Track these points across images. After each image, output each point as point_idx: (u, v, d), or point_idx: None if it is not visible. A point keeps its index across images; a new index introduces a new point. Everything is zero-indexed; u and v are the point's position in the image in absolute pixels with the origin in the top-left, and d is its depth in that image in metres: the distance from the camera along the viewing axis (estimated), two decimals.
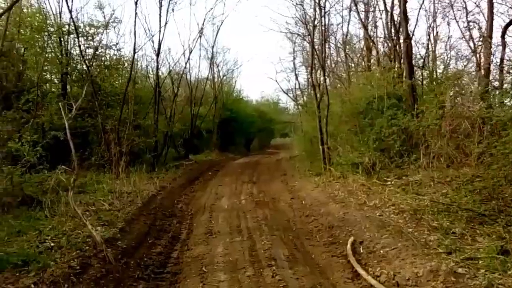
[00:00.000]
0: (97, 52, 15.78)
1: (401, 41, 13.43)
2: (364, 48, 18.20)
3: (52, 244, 5.29)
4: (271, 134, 47.23)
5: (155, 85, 17.39)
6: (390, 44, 15.50)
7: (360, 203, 8.12)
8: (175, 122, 21.24)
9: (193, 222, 8.18)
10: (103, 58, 16.57)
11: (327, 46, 15.95)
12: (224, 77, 32.04)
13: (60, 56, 14.46)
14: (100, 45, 15.92)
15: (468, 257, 4.91)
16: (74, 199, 8.86)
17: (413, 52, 14.06)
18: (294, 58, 35.25)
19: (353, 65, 20.37)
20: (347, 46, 19.74)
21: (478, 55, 13.88)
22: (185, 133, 24.45)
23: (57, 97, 13.77)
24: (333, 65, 21.19)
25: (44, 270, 4.44)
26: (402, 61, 13.76)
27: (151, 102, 18.30)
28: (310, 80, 13.64)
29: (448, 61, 15.82)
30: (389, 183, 9.61)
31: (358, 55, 19.59)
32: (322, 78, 12.87)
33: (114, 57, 16.85)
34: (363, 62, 18.99)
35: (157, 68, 17.65)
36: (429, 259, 4.97)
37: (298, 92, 32.47)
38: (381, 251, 5.60)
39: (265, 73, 74.30)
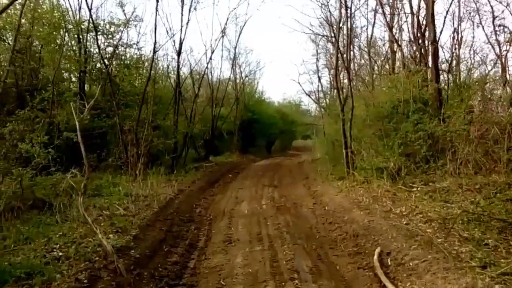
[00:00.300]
0: (116, 51, 15.76)
1: (427, 44, 12.96)
2: (389, 51, 17.70)
3: (60, 254, 5.06)
4: (293, 136, 46.75)
5: (176, 85, 17.25)
6: (415, 48, 15.00)
7: (386, 210, 7.73)
8: (195, 123, 21.13)
9: (211, 229, 7.93)
10: (122, 57, 16.58)
11: (351, 49, 15.49)
12: (246, 78, 31.83)
13: (78, 54, 14.48)
14: (120, 43, 15.91)
15: (504, 272, 4.51)
16: (88, 202, 8.79)
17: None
18: (317, 60, 34.87)
19: (376, 68, 19.88)
20: (372, 49, 19.26)
21: (503, 60, 13.33)
22: (205, 134, 24.35)
23: (74, 96, 13.78)
24: (356, 68, 20.73)
25: (49, 283, 4.20)
26: (427, 65, 13.29)
27: (171, 102, 18.21)
28: (334, 82, 13.21)
29: (472, 66, 15.28)
30: (415, 189, 9.17)
31: (382, 58, 19.06)
32: (346, 81, 12.45)
33: (134, 56, 16.83)
34: (387, 65, 18.48)
35: (178, 68, 17.54)
36: (462, 273, 4.59)
37: (321, 95, 32.11)
38: (410, 264, 5.22)
39: (287, 74, 74.24)
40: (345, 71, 12.87)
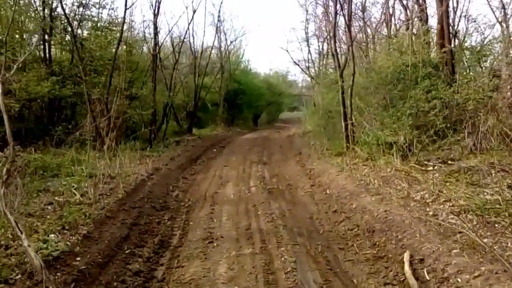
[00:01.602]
0: (86, 11, 13.83)
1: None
2: (384, 16, 16.03)
3: None
4: (280, 108, 45.15)
5: (153, 48, 15.36)
6: (417, 8, 13.37)
7: (403, 196, 6.30)
8: (176, 93, 19.36)
9: (189, 219, 6.40)
10: (95, 19, 14.63)
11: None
12: (232, 45, 29.82)
13: (40, 13, 12.54)
14: (91, 3, 13.94)
15: None
16: (40, 186, 7.21)
17: None
18: (306, 28, 33.04)
19: (370, 32, 18.22)
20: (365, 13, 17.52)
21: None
22: (188, 106, 22.61)
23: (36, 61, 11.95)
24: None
25: None
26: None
27: (148, 69, 16.40)
28: (331, 46, 11.55)
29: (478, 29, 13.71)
30: (431, 168, 7.76)
31: (375, 25, 17.38)
32: (343, 46, 10.80)
33: (107, 18, 14.88)
34: (385, 29, 16.84)
35: (156, 29, 15.58)
36: None
37: (311, 64, 30.42)
38: (459, 279, 3.80)
39: (274, 44, 71.86)
40: (345, 30, 11.19)
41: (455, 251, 4.25)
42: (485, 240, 4.42)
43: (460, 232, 4.71)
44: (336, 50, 11.06)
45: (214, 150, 15.40)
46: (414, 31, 13.09)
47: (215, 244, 5.10)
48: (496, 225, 4.89)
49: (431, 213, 5.52)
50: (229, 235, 5.42)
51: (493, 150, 7.48)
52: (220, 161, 12.48)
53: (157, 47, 15.67)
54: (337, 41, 11.52)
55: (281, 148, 15.14)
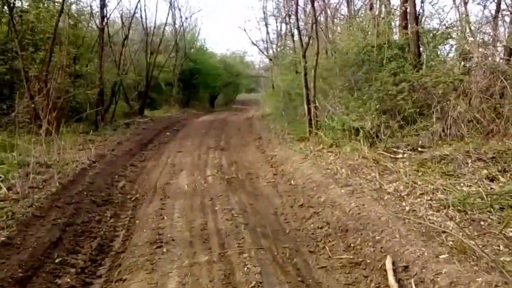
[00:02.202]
0: None
1: None
2: None
3: None
4: (237, 89, 44.27)
5: (100, 20, 13.99)
6: None
7: (375, 188, 5.75)
8: (127, 71, 18.02)
9: (135, 217, 5.54)
10: None
11: None
12: (187, 22, 28.42)
13: None
14: None
15: None
16: None
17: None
18: (265, 7, 32.21)
19: (329, 13, 17.67)
20: None
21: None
22: (140, 86, 21.27)
23: None
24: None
25: None
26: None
27: (95, 45, 15.00)
28: (294, 23, 10.80)
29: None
30: (400, 156, 7.29)
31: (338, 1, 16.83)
32: (312, 18, 10.07)
33: None
34: (344, 9, 16.29)
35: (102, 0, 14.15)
36: None
37: (269, 46, 29.69)
38: None
39: (232, 23, 70.35)
40: (304, 9, 10.47)
41: (443, 256, 3.70)
42: (474, 242, 3.90)
43: (444, 232, 4.19)
44: (298, 27, 10.32)
45: (168, 133, 14.40)
46: (376, 11, 12.63)
47: (164, 250, 4.29)
48: (482, 223, 4.41)
49: (407, 208, 4.98)
50: (181, 237, 4.62)
51: (465, 137, 7.09)
52: (174, 146, 11.55)
53: (104, 20, 14.26)
54: (299, 18, 10.74)
55: (239, 132, 14.38)
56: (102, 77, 13.70)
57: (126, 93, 19.57)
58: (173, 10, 25.90)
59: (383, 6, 11.16)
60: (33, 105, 10.84)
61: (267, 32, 31.61)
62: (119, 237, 4.89)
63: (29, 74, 10.63)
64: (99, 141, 11.02)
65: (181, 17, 26.48)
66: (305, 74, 10.11)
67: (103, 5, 14.10)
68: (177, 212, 5.55)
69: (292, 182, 6.80)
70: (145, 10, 28.46)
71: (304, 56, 10.12)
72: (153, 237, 4.65)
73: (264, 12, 31.34)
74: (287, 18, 28.99)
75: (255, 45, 32.06)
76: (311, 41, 10.59)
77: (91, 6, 16.18)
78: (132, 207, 6.02)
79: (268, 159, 8.90)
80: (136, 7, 17.90)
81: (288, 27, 26.88)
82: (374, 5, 13.36)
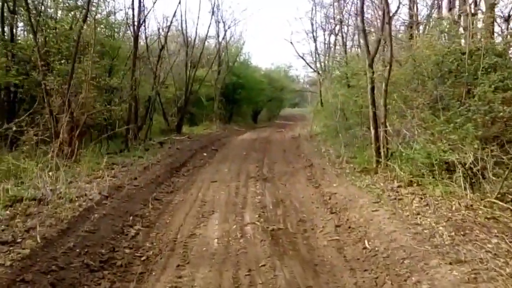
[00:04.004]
0: None
1: None
2: None
3: None
4: (281, 104, 42.59)
5: (133, 28, 12.60)
6: None
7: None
8: (163, 84, 16.60)
9: None
10: None
11: None
12: (230, 32, 27.05)
13: None
14: None
15: None
16: None
17: None
18: (312, 18, 30.54)
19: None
20: None
21: None
22: (180, 100, 19.87)
23: None
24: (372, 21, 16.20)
25: None
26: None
27: (129, 56, 13.66)
28: (357, 24, 8.79)
29: None
30: None
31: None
32: (384, 15, 8.01)
33: None
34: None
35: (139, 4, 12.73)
36: None
37: (317, 58, 27.81)
38: None
39: (276, 37, 69.16)
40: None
41: None
42: None
43: None
44: (364, 29, 8.28)
45: (205, 154, 12.69)
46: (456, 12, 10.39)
47: None
48: None
49: None
50: None
51: None
52: (209, 172, 9.76)
53: (140, 27, 12.82)
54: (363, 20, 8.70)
55: (285, 155, 12.41)
56: (135, 91, 12.21)
57: (164, 108, 18.20)
58: (216, 22, 24.50)
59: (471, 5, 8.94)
60: (52, 122, 9.45)
61: (315, 45, 29.73)
62: None
63: (49, 87, 9.24)
64: (124, 165, 9.45)
65: (225, 30, 24.94)
66: (372, 89, 8.05)
67: (139, 11, 12.68)
68: None
69: (367, 244, 4.73)
70: (185, 20, 27.21)
71: (371, 66, 8.07)
72: None
73: (312, 24, 29.63)
74: (336, 29, 27.07)
75: (302, 58, 30.31)
76: (384, 46, 8.54)
77: (126, 13, 14.60)
78: (138, 276, 4.19)
79: (326, 199, 6.86)
80: (174, 15, 16.45)
81: (339, 37, 24.95)
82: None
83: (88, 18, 10.87)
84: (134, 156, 10.65)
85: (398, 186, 6.81)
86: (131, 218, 5.96)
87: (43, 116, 9.96)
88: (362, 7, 8.40)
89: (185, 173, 9.76)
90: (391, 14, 7.84)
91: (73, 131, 9.65)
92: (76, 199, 6.10)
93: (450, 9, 10.21)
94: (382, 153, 7.88)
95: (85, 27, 11.47)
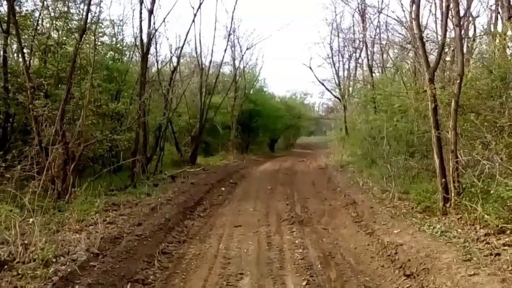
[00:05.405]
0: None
1: None
2: None
3: None
4: (298, 132, 41.10)
5: (140, 43, 11.25)
6: None
7: None
8: (175, 111, 15.18)
9: None
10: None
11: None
12: (247, 55, 25.74)
13: None
14: None
15: None
16: None
17: None
18: (331, 41, 29.57)
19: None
20: None
21: None
22: (195, 129, 18.41)
23: None
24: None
25: None
26: None
27: (138, 80, 12.27)
28: (416, 31, 7.19)
29: None
30: None
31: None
32: (455, 17, 6.40)
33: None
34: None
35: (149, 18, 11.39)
36: None
37: (335, 83, 26.63)
38: None
39: (292, 64, 68.53)
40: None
41: None
42: None
43: None
44: (421, 36, 6.67)
45: (223, 189, 11.05)
46: None
47: None
48: None
49: None
50: None
51: None
52: (230, 212, 8.12)
53: (150, 44, 11.43)
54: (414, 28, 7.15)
55: (316, 189, 10.71)
56: (143, 117, 10.74)
57: (177, 137, 16.74)
58: (232, 48, 23.29)
59: None
60: (42, 154, 7.96)
61: (334, 70, 28.46)
62: None
63: (36, 113, 7.78)
64: (128, 205, 7.86)
65: (242, 55, 23.65)
66: (435, 109, 6.38)
67: (149, 24, 11.33)
68: None
69: None
70: (200, 42, 25.84)
71: (432, 81, 6.43)
72: None
73: (331, 48, 28.48)
74: (358, 52, 25.73)
75: (322, 83, 29.07)
76: (452, 53, 6.93)
77: (135, 34, 13.30)
78: None
79: (390, 253, 5.10)
80: (187, 33, 15.07)
81: (363, 59, 23.59)
82: None
83: (89, 37, 9.63)
84: (140, 194, 9.08)
85: (486, 234, 5.07)
86: (128, 286, 4.31)
87: (32, 147, 8.48)
88: (418, 10, 6.83)
89: (201, 214, 8.14)
90: (461, 13, 6.21)
91: (67, 165, 8.16)
92: (54, 260, 4.47)
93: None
94: (451, 189, 6.14)
95: (86, 46, 10.26)
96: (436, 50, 8.41)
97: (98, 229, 5.71)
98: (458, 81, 5.97)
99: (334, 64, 28.34)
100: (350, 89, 25.51)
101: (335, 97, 29.04)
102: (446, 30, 6.80)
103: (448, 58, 9.05)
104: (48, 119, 8.31)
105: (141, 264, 4.96)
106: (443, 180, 6.29)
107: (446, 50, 8.28)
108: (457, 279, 3.97)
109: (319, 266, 4.82)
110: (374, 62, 19.01)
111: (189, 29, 15.75)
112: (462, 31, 6.18)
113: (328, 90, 29.52)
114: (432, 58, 7.59)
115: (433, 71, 6.45)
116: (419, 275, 4.34)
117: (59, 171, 8.19)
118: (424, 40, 7.11)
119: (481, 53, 7.60)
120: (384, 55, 17.85)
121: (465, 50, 6.98)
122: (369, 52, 18.86)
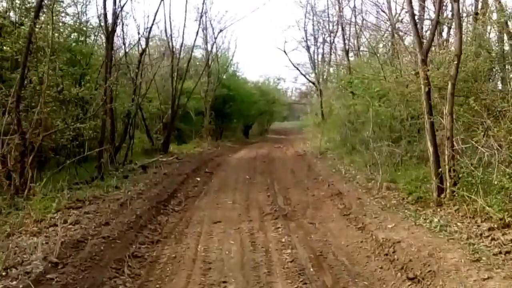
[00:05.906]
0: None
1: None
2: None
3: None
4: (272, 117, 40.56)
5: (104, 21, 10.34)
6: None
7: None
8: (145, 97, 14.33)
9: None
10: None
11: None
12: (219, 43, 24.80)
13: None
14: None
15: None
16: None
17: None
18: (306, 25, 29.08)
19: None
20: None
21: None
22: (167, 116, 17.57)
23: None
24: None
25: None
26: None
27: (103, 63, 11.35)
28: (407, 8, 6.67)
29: None
30: None
31: None
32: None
33: None
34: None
35: None
36: None
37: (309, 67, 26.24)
38: None
39: (265, 48, 67.85)
40: None
41: None
42: None
43: None
44: (413, 13, 6.15)
45: (198, 179, 10.43)
46: None
47: None
48: None
49: None
50: None
51: None
52: (207, 205, 7.53)
53: (115, 22, 10.50)
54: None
55: (297, 178, 10.22)
56: (108, 104, 9.90)
57: (148, 124, 15.88)
58: (204, 30, 22.34)
59: None
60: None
61: (309, 54, 27.95)
62: None
63: None
64: (94, 201, 7.14)
65: (214, 38, 22.74)
66: (428, 92, 5.92)
67: (114, 2, 10.39)
68: None
69: None
70: (170, 24, 24.44)
71: (425, 62, 5.95)
72: None
73: (305, 31, 27.92)
74: (331, 36, 25.30)
75: (297, 68, 28.54)
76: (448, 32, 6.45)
77: (100, 16, 12.26)
78: None
79: (387, 251, 4.63)
80: (156, 16, 14.29)
81: (339, 43, 23.17)
82: None
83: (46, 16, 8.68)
84: (108, 187, 8.34)
85: (489, 229, 4.68)
86: None
87: None
88: None
89: (176, 208, 7.51)
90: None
91: (25, 157, 7.33)
92: (4, 273, 3.78)
93: None
94: (446, 178, 5.73)
95: (46, 27, 9.29)
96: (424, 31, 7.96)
97: (58, 232, 5.00)
98: (455, 62, 5.51)
99: (308, 48, 27.83)
100: (325, 73, 25.10)
101: (310, 81, 28.58)
102: (441, 7, 6.32)
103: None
104: (1, 106, 7.45)
105: (108, 272, 4.31)
106: (437, 169, 5.86)
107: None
108: (469, 284, 3.53)
109: (311, 269, 4.30)
110: (349, 46, 18.55)
111: (158, 8, 14.75)
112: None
113: (303, 75, 29.07)
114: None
115: (426, 52, 5.98)
116: (424, 278, 3.88)
117: (16, 164, 7.36)
118: (416, 18, 6.62)
119: (476, 33, 7.18)
120: (360, 39, 17.43)
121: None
122: (345, 35, 18.37)
